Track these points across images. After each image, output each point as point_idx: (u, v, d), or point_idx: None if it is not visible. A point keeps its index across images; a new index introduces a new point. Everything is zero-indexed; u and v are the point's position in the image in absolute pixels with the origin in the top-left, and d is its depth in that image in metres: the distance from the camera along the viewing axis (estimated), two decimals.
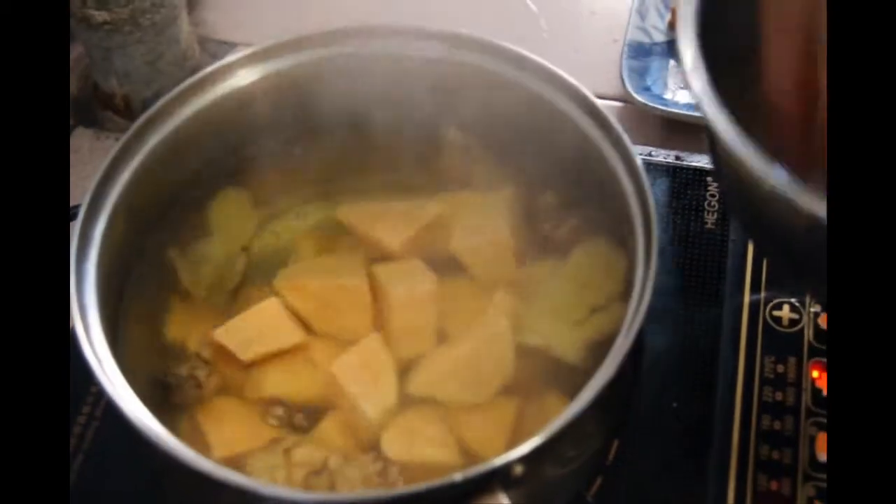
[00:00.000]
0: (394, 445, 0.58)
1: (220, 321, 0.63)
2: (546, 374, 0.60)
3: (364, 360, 0.60)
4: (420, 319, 0.62)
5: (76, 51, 0.88)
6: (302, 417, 0.60)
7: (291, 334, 0.62)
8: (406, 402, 0.60)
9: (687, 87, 0.52)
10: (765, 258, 0.71)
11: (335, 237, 0.67)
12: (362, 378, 0.60)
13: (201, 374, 0.60)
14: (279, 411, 0.60)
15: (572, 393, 0.52)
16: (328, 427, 0.59)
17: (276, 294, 0.63)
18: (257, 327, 0.62)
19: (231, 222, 0.68)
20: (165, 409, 0.56)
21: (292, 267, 0.66)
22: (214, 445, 0.58)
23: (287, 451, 0.57)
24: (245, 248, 0.67)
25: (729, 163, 0.50)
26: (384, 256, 0.65)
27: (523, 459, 0.49)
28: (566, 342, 0.61)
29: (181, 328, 0.64)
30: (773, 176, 0.46)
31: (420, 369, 0.61)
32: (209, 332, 0.62)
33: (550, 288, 0.63)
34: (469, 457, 0.58)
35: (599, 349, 0.59)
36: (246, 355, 0.61)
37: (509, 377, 0.60)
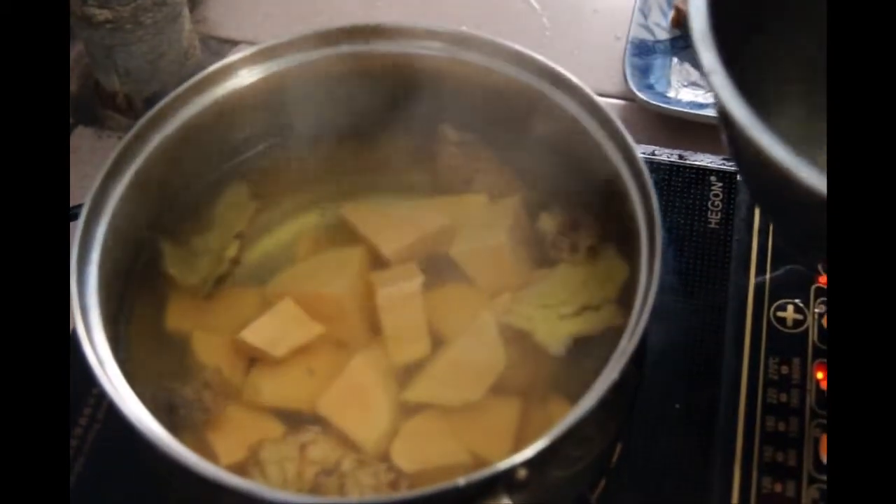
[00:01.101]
0: (405, 456, 0.57)
1: (221, 314, 0.63)
2: (536, 367, 0.60)
3: (351, 388, 0.60)
4: (409, 319, 0.62)
5: (76, 49, 0.88)
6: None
7: (313, 327, 0.62)
8: (409, 410, 0.59)
9: (699, 72, 0.52)
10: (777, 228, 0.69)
11: (336, 238, 0.67)
12: (351, 410, 0.59)
13: (208, 396, 0.59)
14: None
15: (572, 394, 0.52)
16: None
17: (268, 303, 0.63)
18: (280, 325, 0.62)
19: (230, 216, 0.67)
20: (169, 427, 0.55)
21: (283, 274, 0.65)
22: (221, 454, 0.57)
23: (303, 447, 0.57)
24: (239, 236, 0.67)
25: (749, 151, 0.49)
26: (383, 258, 0.65)
27: (527, 463, 0.49)
28: (550, 330, 0.60)
29: (181, 321, 0.64)
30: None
31: (417, 377, 0.60)
32: (217, 336, 0.62)
33: (545, 284, 0.63)
34: (477, 461, 0.57)
35: (583, 345, 0.59)
36: (277, 352, 0.61)
37: (500, 370, 0.60)
